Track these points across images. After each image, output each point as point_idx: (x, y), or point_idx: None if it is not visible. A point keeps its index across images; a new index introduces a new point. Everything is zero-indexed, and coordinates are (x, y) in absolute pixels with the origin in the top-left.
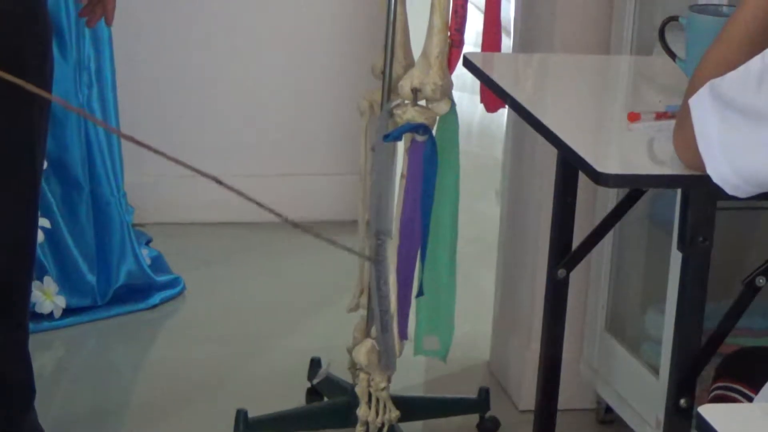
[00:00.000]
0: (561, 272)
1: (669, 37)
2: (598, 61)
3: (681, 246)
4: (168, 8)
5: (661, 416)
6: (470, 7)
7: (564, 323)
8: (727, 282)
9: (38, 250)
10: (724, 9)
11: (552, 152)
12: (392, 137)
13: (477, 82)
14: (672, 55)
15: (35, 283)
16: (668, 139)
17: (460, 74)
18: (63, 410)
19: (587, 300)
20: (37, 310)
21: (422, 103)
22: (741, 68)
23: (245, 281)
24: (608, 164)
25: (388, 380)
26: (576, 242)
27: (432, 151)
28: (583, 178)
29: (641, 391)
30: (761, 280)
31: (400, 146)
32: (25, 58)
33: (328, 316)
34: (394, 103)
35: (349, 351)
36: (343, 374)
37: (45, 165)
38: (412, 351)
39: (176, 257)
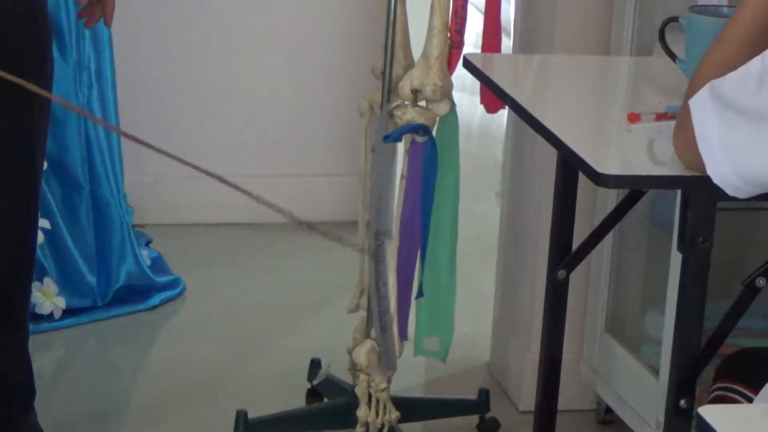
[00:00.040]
0: (561, 273)
1: (669, 37)
2: (598, 62)
3: (681, 247)
4: (168, 8)
5: (661, 417)
6: (470, 8)
7: (564, 324)
8: (727, 283)
9: (38, 251)
10: (724, 10)
11: (552, 153)
12: (392, 138)
13: (477, 83)
14: (672, 56)
15: (35, 284)
16: (668, 140)
17: (460, 75)
18: (63, 411)
19: (587, 301)
20: (37, 311)
21: (422, 103)
22: (741, 69)
23: (245, 282)
24: (608, 165)
25: (388, 381)
26: (576, 243)
27: (432, 151)
28: (583, 179)
29: (641, 391)
30: (761, 281)
31: (400, 147)
32: (25, 58)
33: (328, 317)
34: (394, 104)
35: (349, 352)
36: (343, 375)
37: (45, 166)
38: (412, 352)
39: (176, 258)
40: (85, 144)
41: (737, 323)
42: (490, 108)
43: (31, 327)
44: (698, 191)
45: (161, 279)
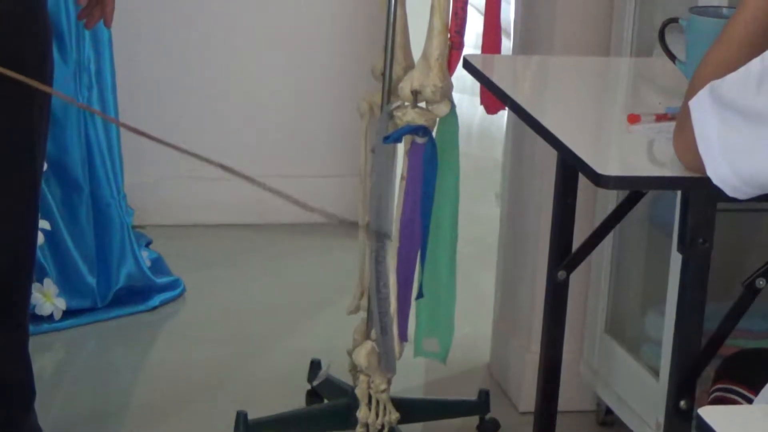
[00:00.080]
0: (561, 274)
1: (669, 38)
2: (597, 63)
3: (681, 248)
4: (168, 8)
5: (661, 418)
6: (470, 9)
7: (564, 325)
8: (727, 283)
9: (38, 252)
10: (724, 11)
11: (552, 154)
12: (392, 139)
13: (477, 84)
14: (672, 57)
15: (35, 285)
16: (668, 141)
17: (460, 76)
18: (63, 412)
19: (587, 302)
20: (37, 311)
21: (422, 104)
22: (741, 70)
23: (245, 283)
24: (608, 166)
25: (388, 382)
26: (576, 244)
27: (432, 152)
28: (583, 180)
29: (641, 392)
30: (761, 282)
31: (400, 148)
32: (25, 58)
33: (328, 318)
34: (394, 105)
35: (349, 353)
36: (343, 376)
37: (45, 166)
38: (412, 353)
39: (176, 259)
40: (85, 145)
41: (737, 324)
42: (490, 109)
43: (31, 328)
44: (698, 192)
45: (161, 280)
